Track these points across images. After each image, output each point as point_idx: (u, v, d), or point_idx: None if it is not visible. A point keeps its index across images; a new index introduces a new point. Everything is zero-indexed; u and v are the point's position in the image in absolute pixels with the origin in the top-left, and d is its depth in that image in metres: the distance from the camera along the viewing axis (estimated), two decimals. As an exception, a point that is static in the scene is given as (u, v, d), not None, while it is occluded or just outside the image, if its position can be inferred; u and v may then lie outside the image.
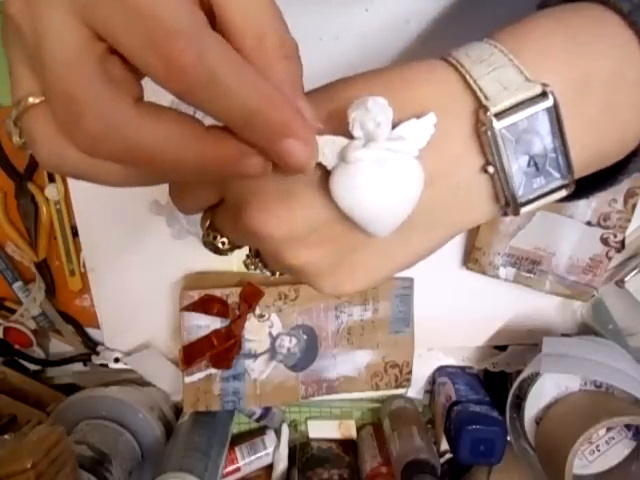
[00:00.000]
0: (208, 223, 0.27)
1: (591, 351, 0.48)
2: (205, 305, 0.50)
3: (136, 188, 0.23)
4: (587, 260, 0.48)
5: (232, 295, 0.51)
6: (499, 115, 0.21)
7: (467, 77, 0.22)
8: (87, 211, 0.53)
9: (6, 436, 0.40)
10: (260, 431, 0.59)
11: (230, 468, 0.56)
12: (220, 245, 0.27)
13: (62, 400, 0.54)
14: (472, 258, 0.50)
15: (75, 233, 0.54)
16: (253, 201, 0.23)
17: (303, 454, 0.58)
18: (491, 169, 0.22)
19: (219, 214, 0.26)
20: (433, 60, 0.24)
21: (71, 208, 0.53)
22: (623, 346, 0.49)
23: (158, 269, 0.54)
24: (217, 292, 0.50)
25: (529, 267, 0.49)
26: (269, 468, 0.58)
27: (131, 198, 0.51)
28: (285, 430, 0.59)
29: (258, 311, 0.51)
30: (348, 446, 0.59)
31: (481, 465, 0.54)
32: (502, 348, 0.56)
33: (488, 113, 0.21)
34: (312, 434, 0.60)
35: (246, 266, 0.29)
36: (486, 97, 0.21)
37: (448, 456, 0.56)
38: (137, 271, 0.54)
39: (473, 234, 0.51)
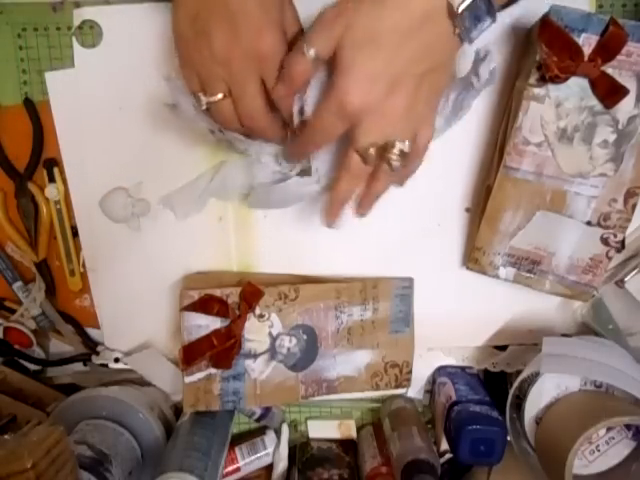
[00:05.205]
0: None
1: (591, 351, 0.48)
2: (205, 305, 0.50)
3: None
4: (587, 260, 0.48)
5: (232, 295, 0.51)
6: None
7: None
8: (87, 211, 0.53)
9: (6, 436, 0.40)
10: (260, 431, 0.60)
11: (230, 468, 0.56)
12: None
13: (62, 400, 0.54)
14: (472, 258, 0.50)
15: (75, 233, 0.54)
16: None
17: (303, 454, 0.58)
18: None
19: None
20: None
21: (71, 208, 0.54)
22: (623, 346, 0.49)
23: (158, 269, 0.54)
24: (217, 292, 0.50)
25: (529, 267, 0.49)
26: (269, 468, 0.58)
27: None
28: (285, 430, 0.59)
29: (258, 311, 0.51)
30: (348, 446, 0.59)
31: (481, 465, 0.54)
32: (502, 348, 0.56)
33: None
34: (312, 434, 0.60)
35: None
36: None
37: (448, 456, 0.55)
38: (137, 271, 0.54)
39: (473, 234, 0.51)
